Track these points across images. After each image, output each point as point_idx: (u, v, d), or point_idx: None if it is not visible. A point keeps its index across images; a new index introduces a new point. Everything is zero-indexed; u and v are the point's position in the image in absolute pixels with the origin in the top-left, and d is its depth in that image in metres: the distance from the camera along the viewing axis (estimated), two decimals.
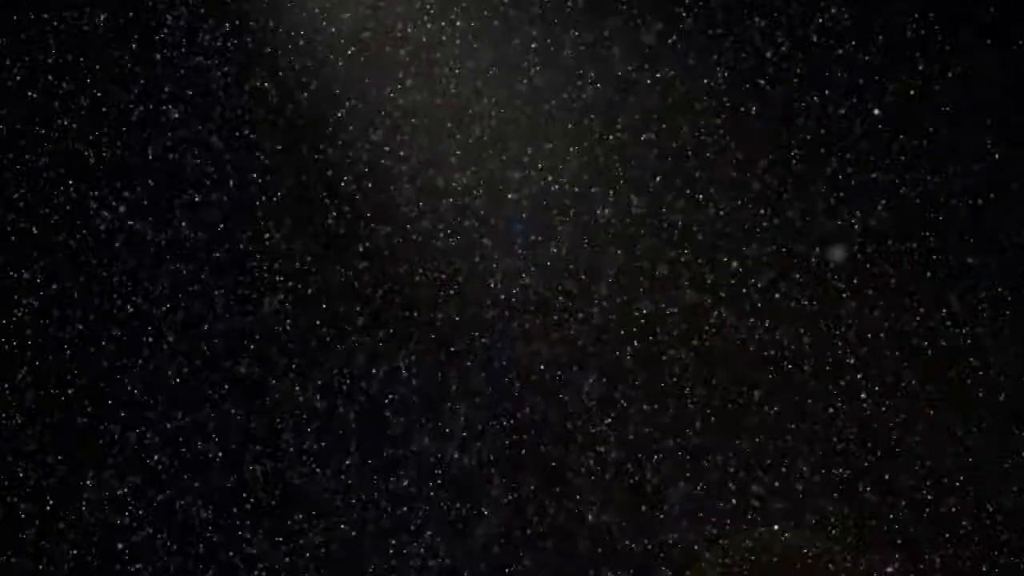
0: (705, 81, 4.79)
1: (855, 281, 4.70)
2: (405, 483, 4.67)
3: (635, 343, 4.68)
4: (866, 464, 4.57)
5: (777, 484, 4.57)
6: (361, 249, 4.75)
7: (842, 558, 4.48)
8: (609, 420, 4.66)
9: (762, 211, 4.76)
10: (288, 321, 4.71)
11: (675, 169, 4.77)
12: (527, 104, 4.76)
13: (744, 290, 4.73)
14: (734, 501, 4.58)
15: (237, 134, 4.77)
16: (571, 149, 4.77)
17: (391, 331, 4.73)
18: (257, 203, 4.76)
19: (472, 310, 4.72)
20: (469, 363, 4.70)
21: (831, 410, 4.63)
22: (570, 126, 4.77)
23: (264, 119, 4.75)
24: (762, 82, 4.82)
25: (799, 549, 4.48)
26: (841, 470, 4.58)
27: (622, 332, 4.70)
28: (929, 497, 4.55)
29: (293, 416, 4.70)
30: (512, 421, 4.66)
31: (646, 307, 4.70)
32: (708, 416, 4.66)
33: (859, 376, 4.64)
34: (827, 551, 4.48)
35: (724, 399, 4.65)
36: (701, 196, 4.76)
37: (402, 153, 4.76)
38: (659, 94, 4.78)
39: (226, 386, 4.69)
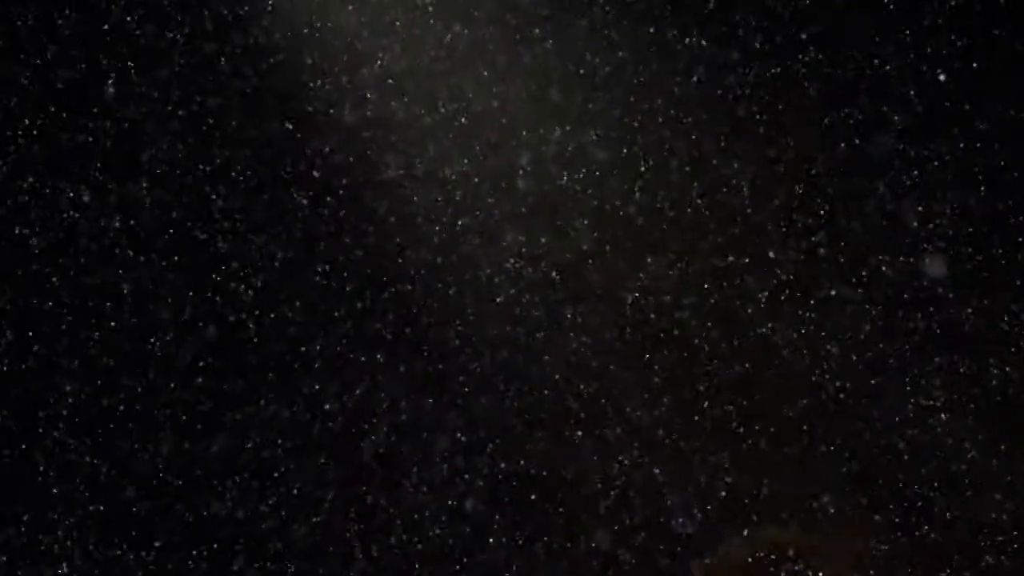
0: (745, 45, 4.57)
1: (913, 286, 4.54)
2: (395, 523, 4.45)
3: (663, 353, 4.53)
4: (918, 487, 4.46)
5: (818, 505, 4.45)
6: (340, 247, 4.57)
7: None
8: (634, 445, 4.50)
9: (809, 205, 4.56)
10: (254, 330, 4.52)
11: (711, 154, 4.57)
12: (534, 76, 4.56)
13: (785, 295, 4.54)
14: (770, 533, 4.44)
15: (193, 111, 4.55)
16: (588, 131, 4.56)
17: (376, 344, 4.54)
18: (217, 194, 4.54)
19: (470, 321, 4.52)
20: (468, 389, 4.50)
21: (880, 429, 4.50)
22: (588, 104, 4.57)
23: (226, 95, 4.56)
24: (813, 50, 4.55)
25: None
26: (888, 490, 4.48)
27: (645, 343, 4.54)
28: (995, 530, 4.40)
29: (259, 443, 4.48)
30: (520, 462, 4.46)
31: (675, 314, 4.53)
32: (743, 441, 4.50)
33: (909, 389, 4.50)
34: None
35: (765, 421, 4.50)
36: (745, 189, 4.57)
37: (388, 133, 4.54)
38: (691, 62, 4.56)
39: (183, 413, 4.46)
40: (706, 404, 4.49)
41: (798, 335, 4.49)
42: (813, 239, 4.52)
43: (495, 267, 4.54)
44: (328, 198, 4.54)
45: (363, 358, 4.51)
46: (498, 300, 4.52)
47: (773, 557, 4.33)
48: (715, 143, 4.55)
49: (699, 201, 4.55)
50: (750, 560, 4.34)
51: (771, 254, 4.53)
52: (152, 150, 4.51)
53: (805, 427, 4.46)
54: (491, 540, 4.41)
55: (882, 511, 4.43)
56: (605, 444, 4.47)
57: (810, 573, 4.31)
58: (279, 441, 4.46)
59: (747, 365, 4.49)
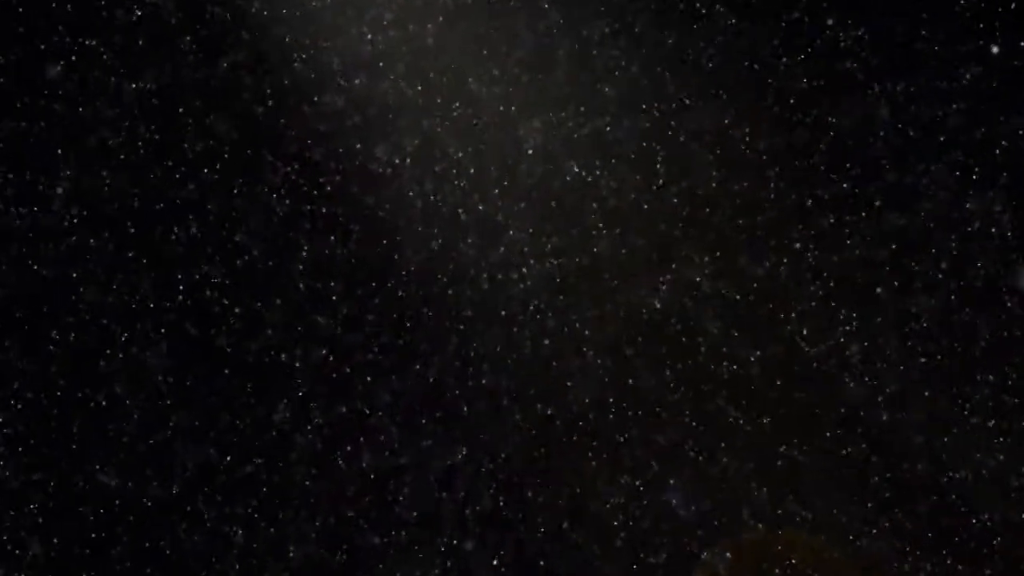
0: (776, 15, 4.43)
1: (966, 290, 4.37)
2: (384, 557, 4.37)
3: (685, 364, 4.44)
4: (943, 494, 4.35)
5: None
6: (323, 244, 4.50)
7: None
8: (652, 465, 4.42)
9: (848, 197, 4.42)
10: (227, 336, 4.47)
11: (739, 140, 4.46)
12: (539, 53, 4.47)
13: (821, 299, 4.40)
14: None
15: (156, 93, 4.46)
16: (600, 114, 4.47)
17: (364, 352, 4.49)
18: (184, 186, 4.47)
19: (469, 327, 4.48)
20: (467, 402, 4.42)
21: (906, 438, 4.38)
22: (600, 84, 4.48)
23: (193, 75, 4.48)
24: (853, 22, 4.40)
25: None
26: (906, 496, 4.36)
27: (664, 352, 4.46)
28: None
29: (231, 464, 4.41)
30: (528, 492, 4.38)
31: (698, 320, 4.45)
32: (774, 461, 4.39)
33: (958, 407, 4.36)
34: None
35: (798, 438, 4.38)
36: (777, 179, 4.44)
37: (377, 119, 4.48)
38: (715, 35, 4.43)
39: (145, 429, 4.37)
40: (734, 420, 4.39)
41: (835, 344, 4.38)
42: (853, 237, 4.39)
43: (497, 267, 4.50)
44: (311, 191, 4.48)
45: (349, 368, 4.46)
46: (500, 304, 4.50)
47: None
48: (743, 128, 4.44)
49: (725, 194, 4.44)
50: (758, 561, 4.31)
51: (806, 253, 4.43)
52: (111, 137, 4.41)
53: (844, 447, 4.34)
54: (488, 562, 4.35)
55: (928, 539, 4.29)
56: (621, 464, 4.42)
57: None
58: (253, 461, 4.39)
59: (778, 379, 4.39)
